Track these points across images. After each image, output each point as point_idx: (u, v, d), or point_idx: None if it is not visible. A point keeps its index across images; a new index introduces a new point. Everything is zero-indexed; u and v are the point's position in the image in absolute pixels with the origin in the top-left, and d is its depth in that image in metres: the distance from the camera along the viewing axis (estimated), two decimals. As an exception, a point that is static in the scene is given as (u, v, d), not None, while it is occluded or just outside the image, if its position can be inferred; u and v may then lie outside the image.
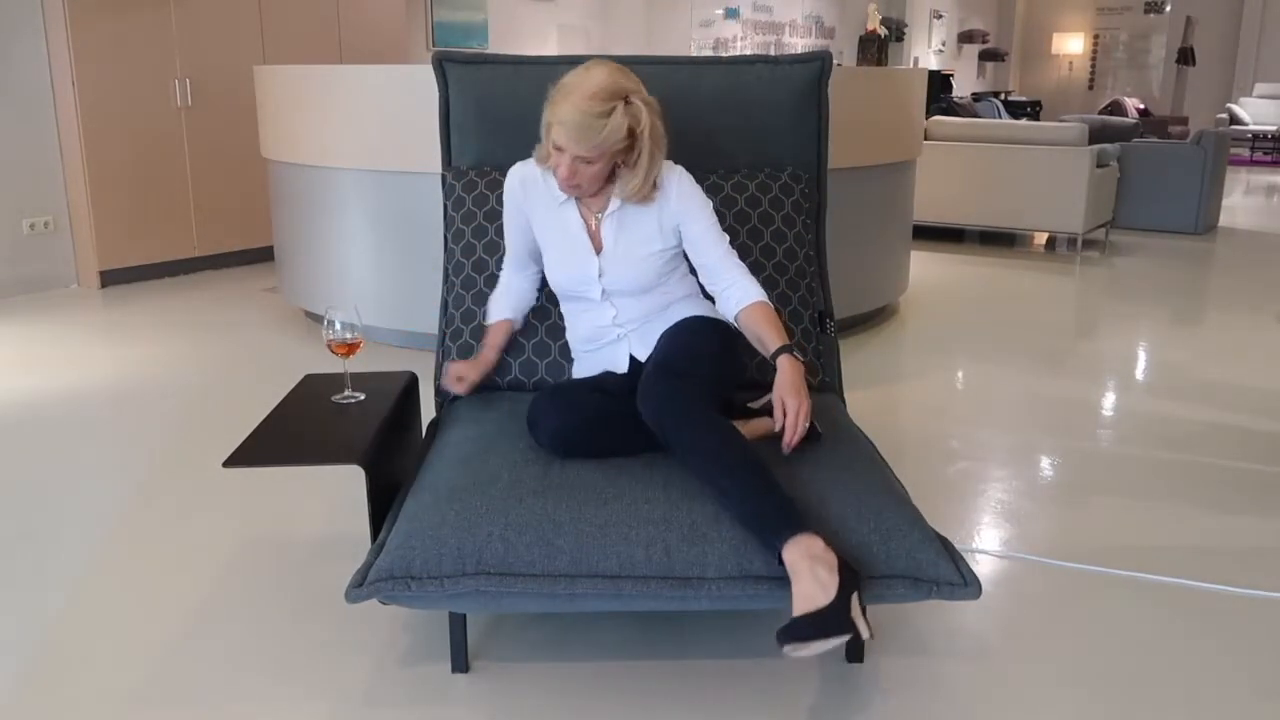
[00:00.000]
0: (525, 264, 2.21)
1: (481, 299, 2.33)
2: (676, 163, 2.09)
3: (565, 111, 1.89)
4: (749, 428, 1.96)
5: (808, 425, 1.87)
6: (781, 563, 1.65)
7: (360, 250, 4.15)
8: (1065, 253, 6.54)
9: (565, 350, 2.26)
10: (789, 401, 1.85)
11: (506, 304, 2.23)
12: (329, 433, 2.02)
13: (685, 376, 1.85)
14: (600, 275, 2.07)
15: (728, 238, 2.08)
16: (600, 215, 2.09)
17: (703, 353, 1.97)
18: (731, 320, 2.04)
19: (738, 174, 2.42)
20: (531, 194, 2.13)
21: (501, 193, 2.34)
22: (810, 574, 1.61)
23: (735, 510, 1.71)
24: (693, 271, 2.16)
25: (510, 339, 2.27)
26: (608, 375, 2.11)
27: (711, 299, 2.11)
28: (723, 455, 1.73)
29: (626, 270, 2.06)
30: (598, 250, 2.08)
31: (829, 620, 1.58)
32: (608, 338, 2.12)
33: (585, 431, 1.89)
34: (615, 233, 2.08)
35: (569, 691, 1.86)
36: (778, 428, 1.88)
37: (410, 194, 3.97)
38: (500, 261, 2.31)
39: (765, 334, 1.96)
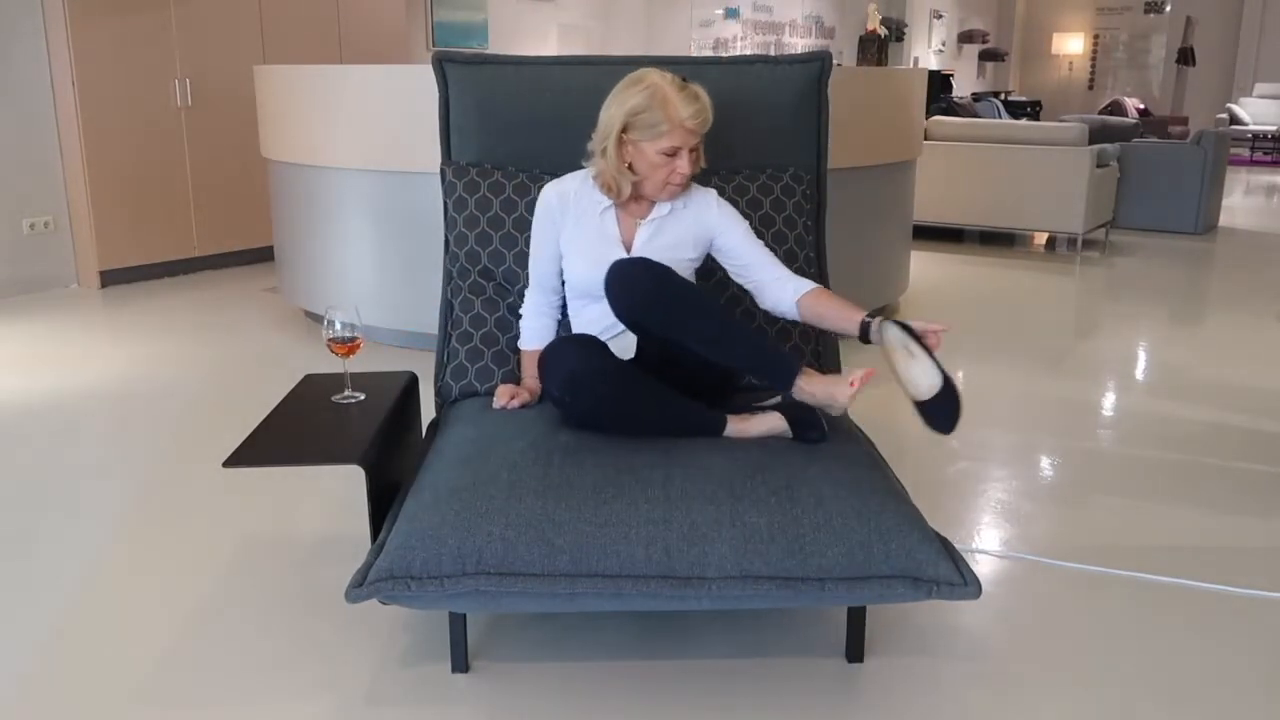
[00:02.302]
0: (555, 287, 2.21)
1: (491, 305, 2.33)
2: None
3: (685, 106, 1.99)
4: (753, 424, 1.96)
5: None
6: (792, 395, 1.92)
7: (360, 250, 4.15)
8: (1065, 253, 6.54)
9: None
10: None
11: (543, 329, 2.23)
12: (329, 433, 2.02)
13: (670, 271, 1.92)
14: None
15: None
16: (641, 221, 2.13)
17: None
18: (790, 309, 2.09)
19: (739, 175, 2.42)
20: (569, 208, 2.14)
21: (505, 197, 2.35)
22: (822, 383, 1.88)
23: (741, 361, 1.90)
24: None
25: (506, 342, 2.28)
26: None
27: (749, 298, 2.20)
28: (717, 314, 1.88)
29: None
30: (628, 252, 2.11)
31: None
32: (619, 329, 2.13)
33: (597, 384, 1.89)
34: (649, 238, 2.12)
35: (569, 691, 1.86)
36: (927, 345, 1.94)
37: (410, 194, 3.97)
38: (505, 271, 2.31)
39: (842, 310, 2.03)
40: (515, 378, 2.28)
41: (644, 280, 1.87)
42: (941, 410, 1.88)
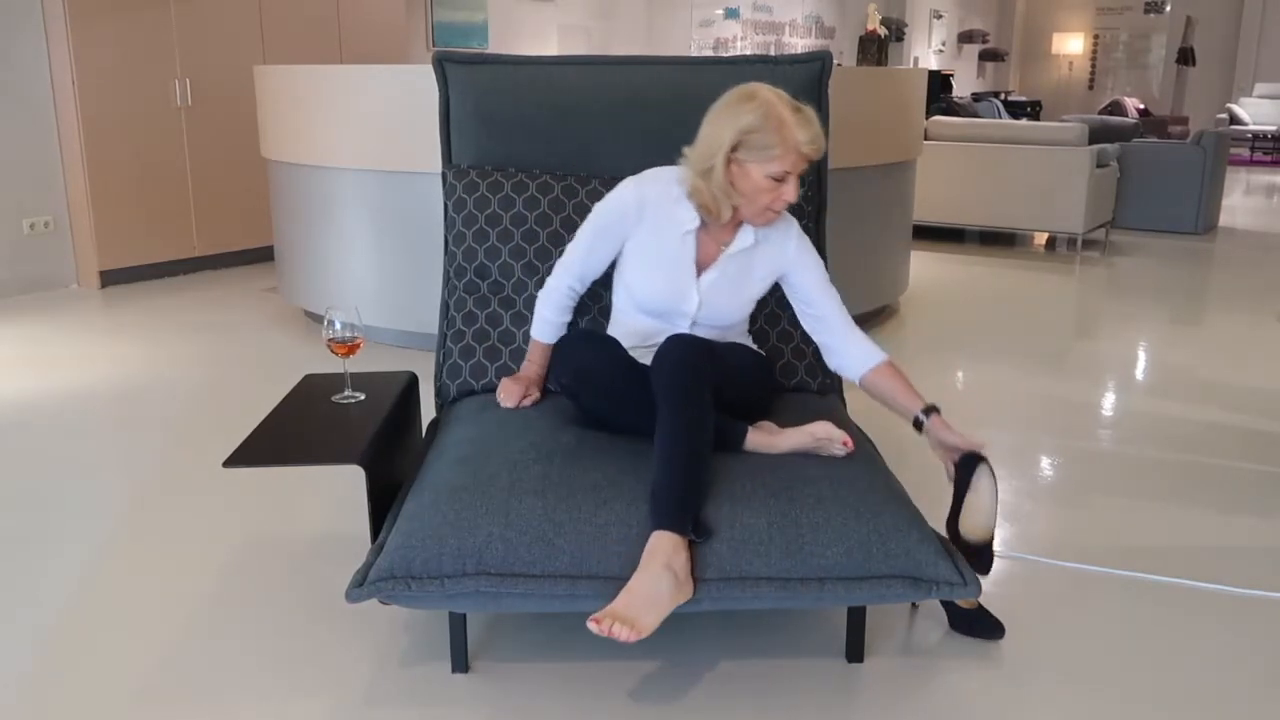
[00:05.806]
0: (589, 281, 2.16)
1: (483, 302, 2.33)
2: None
3: (802, 130, 1.88)
4: (786, 438, 1.93)
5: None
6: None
7: (360, 250, 4.15)
8: (1065, 253, 6.54)
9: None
10: (963, 451, 1.94)
11: (560, 326, 2.15)
12: (329, 433, 2.02)
13: (709, 361, 1.84)
14: (698, 308, 2.04)
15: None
16: (724, 249, 2.04)
17: (732, 363, 1.98)
18: (854, 378, 2.07)
19: (738, 174, 2.42)
20: (649, 218, 2.04)
21: (503, 195, 2.34)
22: (654, 576, 1.63)
23: (655, 477, 1.73)
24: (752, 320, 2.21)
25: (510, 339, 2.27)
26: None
27: (798, 343, 2.19)
28: (681, 434, 1.75)
29: (725, 306, 2.05)
30: (698, 278, 2.05)
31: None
32: (653, 344, 2.09)
33: (606, 382, 1.89)
34: (722, 270, 2.05)
35: (569, 691, 1.86)
36: (953, 480, 1.95)
37: (410, 194, 3.97)
38: (502, 267, 2.31)
39: (905, 395, 2.01)
40: (510, 373, 2.27)
41: (677, 367, 1.80)
42: (984, 556, 1.95)
